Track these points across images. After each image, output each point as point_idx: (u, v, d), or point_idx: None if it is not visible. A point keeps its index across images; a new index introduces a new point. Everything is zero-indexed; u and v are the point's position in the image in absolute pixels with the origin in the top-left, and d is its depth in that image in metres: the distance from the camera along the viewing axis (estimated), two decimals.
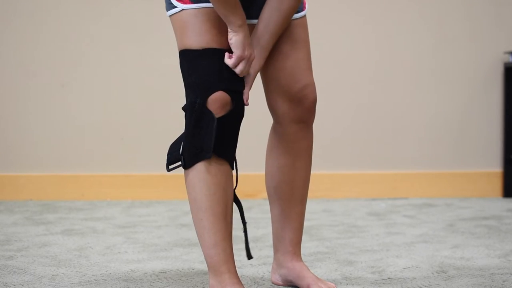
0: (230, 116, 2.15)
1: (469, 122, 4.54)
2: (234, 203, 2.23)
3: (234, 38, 2.12)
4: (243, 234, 2.29)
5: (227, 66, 2.15)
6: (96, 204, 4.32)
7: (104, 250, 3.03)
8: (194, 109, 2.13)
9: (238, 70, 2.15)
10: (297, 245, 2.40)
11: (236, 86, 2.16)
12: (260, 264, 2.73)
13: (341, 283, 2.45)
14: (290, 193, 2.37)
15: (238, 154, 2.25)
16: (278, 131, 2.34)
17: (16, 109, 4.55)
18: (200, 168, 2.14)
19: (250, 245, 3.06)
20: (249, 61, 2.15)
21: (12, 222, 3.73)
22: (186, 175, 2.18)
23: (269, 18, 2.20)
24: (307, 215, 3.55)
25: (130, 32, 4.53)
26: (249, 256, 2.31)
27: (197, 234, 2.20)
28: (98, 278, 2.57)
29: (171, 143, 2.24)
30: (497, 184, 4.51)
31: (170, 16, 2.21)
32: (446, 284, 2.43)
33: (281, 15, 2.20)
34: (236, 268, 2.22)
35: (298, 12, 2.29)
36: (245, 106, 2.20)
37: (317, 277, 2.36)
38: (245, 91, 2.19)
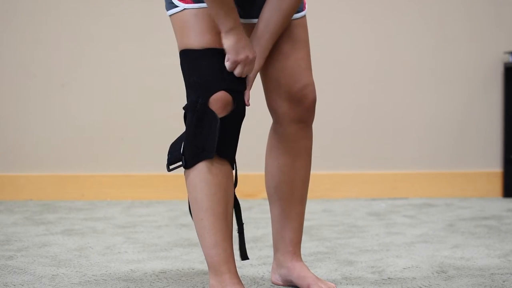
0: (231, 116, 2.15)
1: (469, 122, 4.54)
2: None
3: (225, 42, 2.12)
4: (239, 235, 2.29)
5: None
6: (96, 204, 4.32)
7: (104, 250, 3.03)
8: (196, 109, 2.13)
9: (236, 73, 2.15)
10: (297, 245, 2.40)
11: (237, 86, 2.16)
12: (260, 264, 2.73)
13: (341, 283, 2.45)
14: (290, 193, 2.37)
15: (238, 154, 2.25)
16: (278, 131, 2.34)
17: (16, 109, 4.55)
18: (201, 168, 2.14)
19: (250, 245, 3.06)
20: (247, 64, 2.14)
21: (12, 222, 3.73)
22: (187, 175, 2.18)
23: (269, 18, 2.20)
24: (307, 215, 3.55)
25: (130, 32, 4.53)
26: (245, 257, 2.31)
27: (197, 234, 2.20)
28: (98, 278, 2.57)
29: (171, 143, 2.24)
30: (497, 184, 4.51)
31: (170, 15, 2.21)
32: (446, 284, 2.43)
33: (282, 14, 2.20)
34: (236, 268, 2.22)
35: (298, 12, 2.29)
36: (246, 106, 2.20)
37: (317, 277, 2.36)
38: (246, 91, 2.19)
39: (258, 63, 2.21)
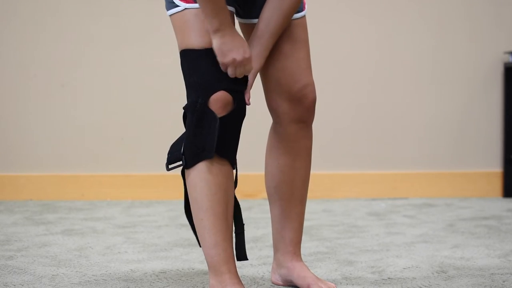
0: (231, 116, 2.15)
1: (469, 122, 4.54)
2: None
3: (213, 43, 2.12)
4: (236, 236, 2.29)
5: None
6: (96, 204, 4.32)
7: (104, 250, 3.03)
8: (196, 109, 2.13)
9: (229, 74, 2.14)
10: (297, 245, 2.40)
11: (237, 85, 2.16)
12: (260, 264, 2.73)
13: (341, 283, 2.45)
14: (290, 193, 2.37)
15: (238, 154, 2.25)
16: (277, 131, 2.34)
17: (16, 109, 4.55)
18: (201, 168, 2.14)
19: (250, 245, 3.06)
20: (237, 66, 2.12)
21: (12, 222, 3.73)
22: (187, 175, 2.18)
23: (269, 18, 2.20)
24: (307, 215, 3.55)
25: (130, 32, 4.53)
26: (244, 258, 2.30)
27: (197, 234, 2.20)
28: (98, 278, 2.57)
29: (171, 143, 2.24)
30: (497, 184, 4.51)
31: (170, 15, 2.21)
32: (446, 284, 2.43)
33: (282, 14, 2.20)
34: (237, 268, 2.22)
35: (298, 12, 2.29)
36: (246, 106, 2.20)
37: (317, 277, 2.36)
38: (246, 90, 2.19)
39: (258, 63, 2.21)
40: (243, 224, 2.29)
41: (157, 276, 2.59)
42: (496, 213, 3.88)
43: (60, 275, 2.60)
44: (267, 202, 2.46)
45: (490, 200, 4.38)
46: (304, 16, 2.31)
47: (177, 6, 2.18)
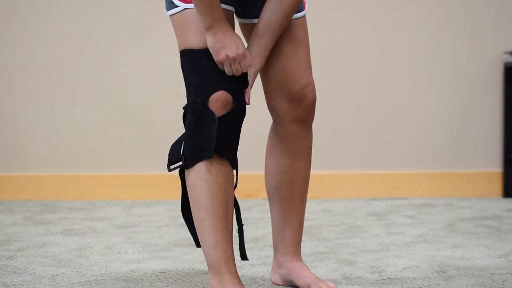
0: (231, 115, 2.15)
1: (469, 122, 4.54)
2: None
3: (207, 42, 2.12)
4: (238, 235, 2.29)
5: None
6: (96, 204, 4.32)
7: (104, 250, 3.03)
8: (195, 109, 2.13)
9: (226, 72, 2.14)
10: (297, 245, 2.40)
11: (237, 85, 2.16)
12: (260, 264, 2.73)
13: (341, 283, 2.45)
14: (290, 193, 2.37)
15: (238, 154, 2.25)
16: (277, 130, 2.34)
17: (16, 109, 4.55)
18: (201, 167, 2.14)
19: (250, 245, 3.06)
20: (232, 63, 2.12)
21: (12, 222, 3.73)
22: (186, 175, 2.18)
23: (269, 18, 2.20)
24: (307, 215, 3.55)
25: (130, 32, 4.53)
26: (245, 257, 2.31)
27: (197, 234, 2.20)
28: (98, 278, 2.57)
29: (171, 143, 2.24)
30: (497, 184, 4.51)
31: (170, 15, 2.21)
32: (446, 284, 2.43)
33: (282, 14, 2.20)
34: (236, 268, 2.22)
35: (298, 12, 2.29)
36: (246, 106, 2.20)
37: (317, 277, 2.36)
38: (246, 90, 2.19)
39: (259, 62, 2.21)
40: (242, 225, 2.29)
41: (157, 276, 2.59)
42: (496, 213, 3.87)
43: (60, 275, 2.60)
44: (267, 202, 2.46)
45: (490, 200, 4.38)
46: (304, 16, 2.31)
47: (177, 6, 2.18)
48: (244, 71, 2.15)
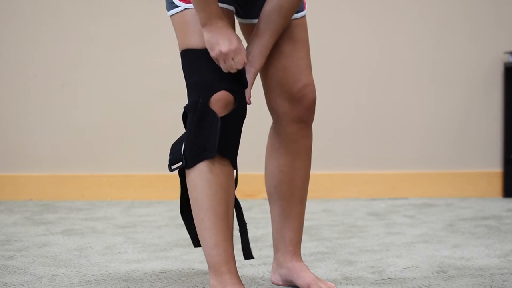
0: (232, 115, 2.15)
1: (469, 122, 4.54)
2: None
3: (204, 38, 2.13)
4: (241, 235, 2.29)
5: None
6: (96, 204, 4.32)
7: (104, 250, 3.03)
8: (197, 109, 2.13)
9: (222, 69, 2.14)
10: (297, 245, 2.40)
11: (238, 85, 2.16)
12: (260, 264, 2.73)
13: (341, 283, 2.45)
14: (290, 193, 2.37)
15: (238, 154, 2.25)
16: (277, 130, 2.34)
17: (16, 109, 4.55)
18: (202, 167, 2.14)
19: (250, 245, 3.06)
20: (226, 58, 2.11)
21: (12, 222, 3.73)
22: (187, 175, 2.18)
23: (269, 18, 2.20)
24: (307, 215, 3.55)
25: (130, 32, 4.53)
26: (250, 256, 2.31)
27: (198, 234, 2.20)
28: (98, 278, 2.57)
29: (171, 143, 2.24)
30: (497, 184, 4.51)
31: (171, 16, 2.21)
32: (446, 284, 2.43)
33: (282, 14, 2.20)
34: (237, 268, 2.22)
35: (298, 12, 2.29)
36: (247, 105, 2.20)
37: (317, 277, 2.36)
38: (247, 90, 2.19)
39: (259, 62, 2.21)
40: (246, 224, 2.29)
41: (157, 276, 2.59)
42: (496, 213, 3.88)
43: (60, 275, 2.60)
44: (267, 202, 2.46)
45: (490, 200, 4.38)
46: (304, 16, 2.31)
47: (177, 6, 2.18)
48: (238, 67, 2.13)
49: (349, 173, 4.53)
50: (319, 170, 4.36)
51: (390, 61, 4.54)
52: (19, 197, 4.52)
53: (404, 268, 2.64)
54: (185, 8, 2.17)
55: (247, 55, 2.21)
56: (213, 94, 2.12)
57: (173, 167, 2.19)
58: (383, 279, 2.50)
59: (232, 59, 2.11)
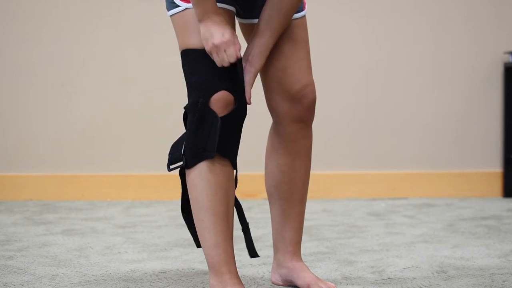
0: (233, 115, 2.15)
1: (469, 122, 4.54)
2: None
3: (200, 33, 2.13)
4: (244, 234, 2.30)
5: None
6: (96, 204, 4.32)
7: (104, 250, 3.03)
8: (197, 109, 2.13)
9: (217, 63, 2.13)
10: (297, 245, 2.40)
11: (238, 85, 2.16)
12: (260, 264, 2.73)
13: (341, 283, 2.45)
14: (290, 192, 2.37)
15: (238, 154, 2.25)
16: (277, 130, 2.34)
17: (16, 109, 4.55)
18: (202, 167, 2.14)
19: None
20: (218, 51, 2.11)
21: (12, 222, 3.73)
22: (187, 175, 2.18)
23: (269, 18, 2.20)
24: (307, 215, 3.55)
25: (130, 32, 4.53)
26: (255, 255, 2.32)
27: (198, 234, 2.20)
28: (98, 278, 2.57)
29: (171, 143, 2.24)
30: (497, 184, 4.51)
31: (171, 15, 2.21)
32: (446, 284, 2.43)
33: (282, 14, 2.20)
34: (237, 268, 2.22)
35: (298, 12, 2.29)
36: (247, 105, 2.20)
37: (317, 277, 2.36)
38: (247, 90, 2.19)
39: (259, 62, 2.21)
40: (247, 223, 2.30)
41: (157, 276, 2.59)
42: (496, 213, 3.88)
43: (60, 275, 2.60)
44: (267, 202, 2.46)
45: (490, 200, 4.38)
46: (304, 16, 2.31)
47: (178, 6, 2.18)
48: (230, 60, 2.12)
49: (349, 173, 4.53)
50: (319, 170, 4.36)
51: (390, 61, 4.54)
52: (19, 197, 4.52)
53: (404, 268, 2.64)
54: (186, 8, 2.17)
55: (247, 55, 2.21)
56: (213, 94, 2.12)
57: (171, 166, 2.19)
58: (383, 279, 2.50)
59: (225, 51, 2.11)
